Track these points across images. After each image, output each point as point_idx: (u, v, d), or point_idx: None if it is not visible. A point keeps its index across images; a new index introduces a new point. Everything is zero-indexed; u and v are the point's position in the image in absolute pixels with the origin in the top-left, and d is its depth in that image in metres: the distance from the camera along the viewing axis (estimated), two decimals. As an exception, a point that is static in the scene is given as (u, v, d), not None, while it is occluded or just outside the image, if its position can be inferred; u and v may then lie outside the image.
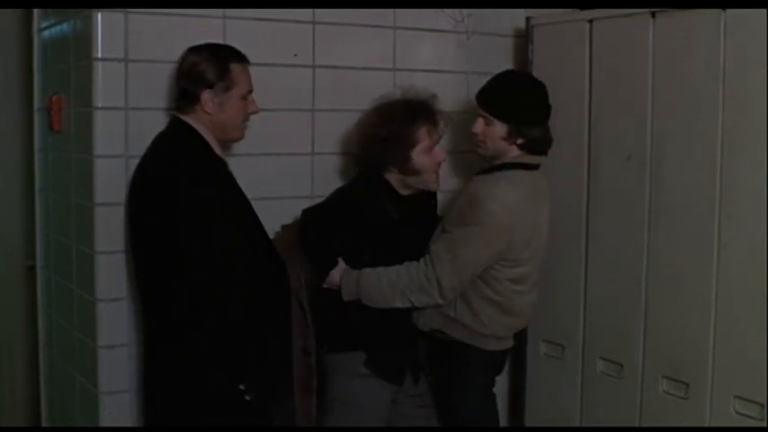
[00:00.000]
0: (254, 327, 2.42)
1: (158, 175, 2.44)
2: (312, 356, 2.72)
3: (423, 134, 2.70)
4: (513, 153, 2.66)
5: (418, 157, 2.70)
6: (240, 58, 2.53)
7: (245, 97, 2.54)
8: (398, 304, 2.64)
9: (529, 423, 3.09)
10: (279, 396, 2.57)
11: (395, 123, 2.69)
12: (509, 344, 2.82)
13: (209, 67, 2.47)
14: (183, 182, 2.37)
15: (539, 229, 2.70)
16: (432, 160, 2.72)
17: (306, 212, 2.82)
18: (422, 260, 2.63)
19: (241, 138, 2.61)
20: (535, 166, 2.70)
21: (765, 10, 2.30)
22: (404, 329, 2.76)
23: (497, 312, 2.67)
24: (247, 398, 2.37)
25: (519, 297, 2.70)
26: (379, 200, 2.73)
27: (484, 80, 2.77)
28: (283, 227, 2.87)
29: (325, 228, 2.74)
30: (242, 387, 2.37)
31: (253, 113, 2.58)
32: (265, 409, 2.46)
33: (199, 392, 2.41)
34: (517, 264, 2.64)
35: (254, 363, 2.41)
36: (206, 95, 2.47)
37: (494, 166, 2.68)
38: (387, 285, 2.63)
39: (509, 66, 3.24)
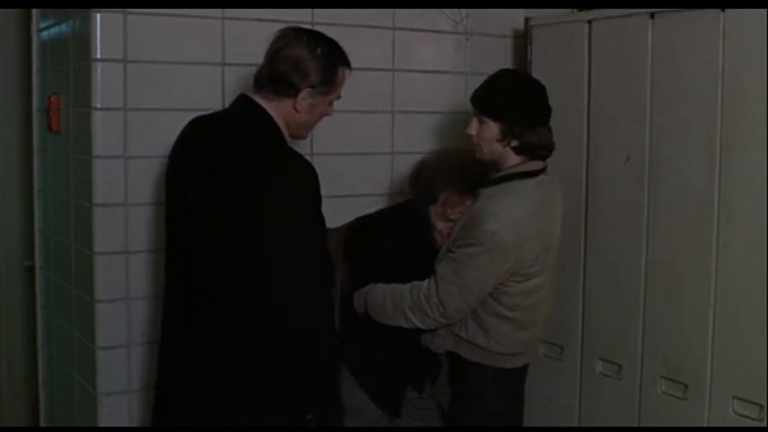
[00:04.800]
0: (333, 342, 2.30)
1: (247, 168, 2.20)
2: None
3: (446, 201, 2.66)
4: (512, 159, 2.56)
5: (433, 217, 2.69)
6: (347, 62, 2.38)
7: (332, 102, 2.41)
8: (403, 324, 2.60)
9: (528, 423, 3.09)
10: (337, 418, 2.45)
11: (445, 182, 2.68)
12: (527, 359, 2.75)
13: (319, 68, 2.29)
14: (280, 177, 2.20)
15: (549, 239, 2.60)
16: (442, 227, 2.68)
17: (358, 221, 2.83)
18: (426, 282, 2.57)
19: (305, 137, 2.51)
20: (540, 171, 2.60)
21: (764, 10, 2.30)
22: (411, 351, 2.73)
23: (511, 329, 2.60)
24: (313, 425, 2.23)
25: (532, 311, 2.62)
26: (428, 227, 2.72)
27: (483, 81, 2.76)
28: (329, 230, 2.85)
29: (372, 240, 2.74)
30: (309, 416, 2.22)
31: (327, 115, 2.45)
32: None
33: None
34: (528, 277, 2.55)
35: (328, 389, 2.30)
36: (305, 93, 2.29)
37: (496, 178, 2.58)
38: (390, 305, 2.60)
39: (508, 66, 3.25)
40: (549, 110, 2.59)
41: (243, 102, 2.34)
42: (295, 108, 2.31)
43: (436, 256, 2.66)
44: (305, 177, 2.24)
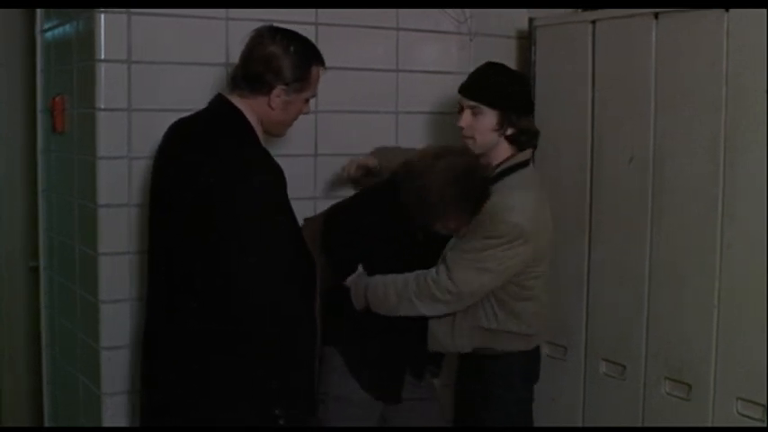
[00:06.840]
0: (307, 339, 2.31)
1: (215, 165, 2.25)
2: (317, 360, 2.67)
3: (458, 225, 2.56)
4: (503, 151, 2.61)
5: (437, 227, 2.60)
6: (321, 61, 2.42)
7: (308, 100, 2.44)
8: (407, 313, 2.58)
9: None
10: (307, 416, 2.42)
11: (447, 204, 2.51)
12: (542, 339, 2.81)
13: (292, 65, 2.34)
14: (249, 179, 2.24)
15: (552, 222, 2.67)
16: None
17: (334, 209, 2.77)
18: (434, 269, 2.56)
19: (283, 135, 2.52)
20: (530, 161, 2.66)
21: (767, 10, 2.30)
22: (409, 339, 2.69)
23: (536, 306, 2.65)
24: (281, 422, 2.25)
25: (541, 288, 2.68)
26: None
27: (469, 74, 2.75)
28: (306, 219, 2.82)
29: (353, 229, 2.67)
30: (277, 412, 2.24)
31: (304, 114, 2.48)
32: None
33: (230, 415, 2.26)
34: (541, 261, 2.62)
35: (297, 386, 2.29)
36: (278, 91, 2.34)
37: (497, 174, 2.59)
38: (393, 295, 2.58)
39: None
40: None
41: (219, 101, 2.39)
42: (269, 105, 2.35)
43: (423, 230, 2.58)
44: (280, 177, 2.29)
